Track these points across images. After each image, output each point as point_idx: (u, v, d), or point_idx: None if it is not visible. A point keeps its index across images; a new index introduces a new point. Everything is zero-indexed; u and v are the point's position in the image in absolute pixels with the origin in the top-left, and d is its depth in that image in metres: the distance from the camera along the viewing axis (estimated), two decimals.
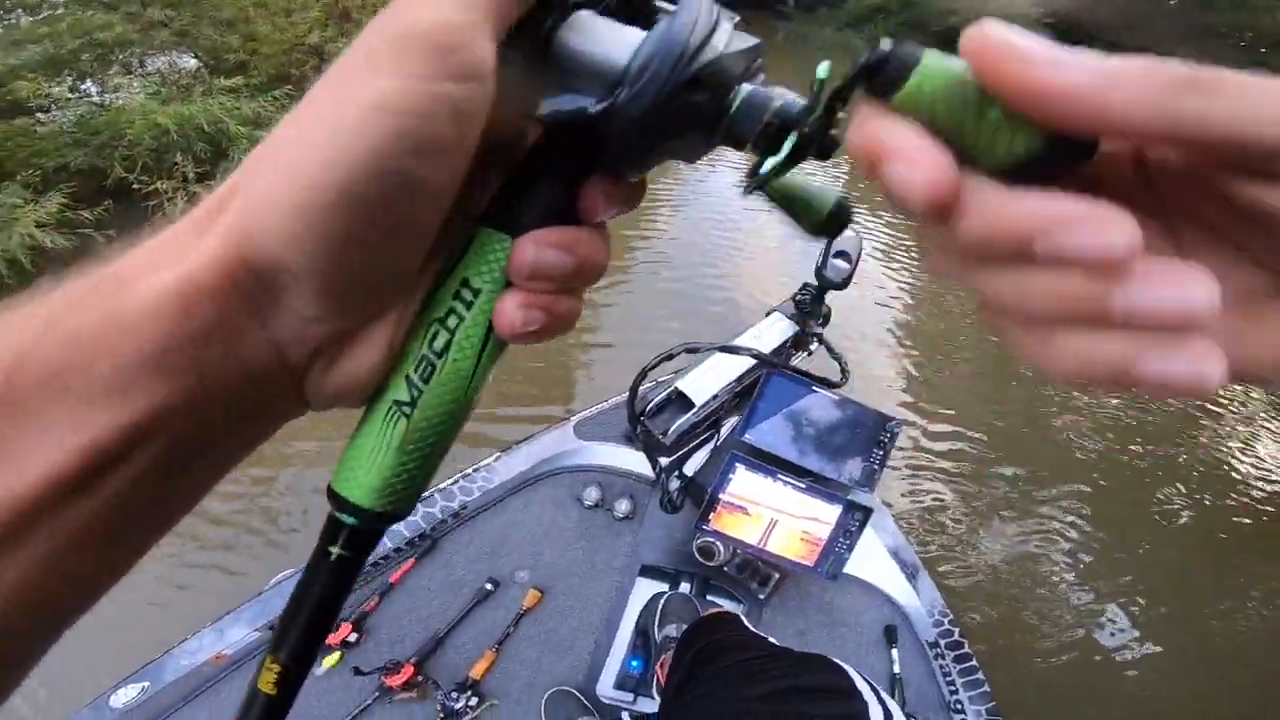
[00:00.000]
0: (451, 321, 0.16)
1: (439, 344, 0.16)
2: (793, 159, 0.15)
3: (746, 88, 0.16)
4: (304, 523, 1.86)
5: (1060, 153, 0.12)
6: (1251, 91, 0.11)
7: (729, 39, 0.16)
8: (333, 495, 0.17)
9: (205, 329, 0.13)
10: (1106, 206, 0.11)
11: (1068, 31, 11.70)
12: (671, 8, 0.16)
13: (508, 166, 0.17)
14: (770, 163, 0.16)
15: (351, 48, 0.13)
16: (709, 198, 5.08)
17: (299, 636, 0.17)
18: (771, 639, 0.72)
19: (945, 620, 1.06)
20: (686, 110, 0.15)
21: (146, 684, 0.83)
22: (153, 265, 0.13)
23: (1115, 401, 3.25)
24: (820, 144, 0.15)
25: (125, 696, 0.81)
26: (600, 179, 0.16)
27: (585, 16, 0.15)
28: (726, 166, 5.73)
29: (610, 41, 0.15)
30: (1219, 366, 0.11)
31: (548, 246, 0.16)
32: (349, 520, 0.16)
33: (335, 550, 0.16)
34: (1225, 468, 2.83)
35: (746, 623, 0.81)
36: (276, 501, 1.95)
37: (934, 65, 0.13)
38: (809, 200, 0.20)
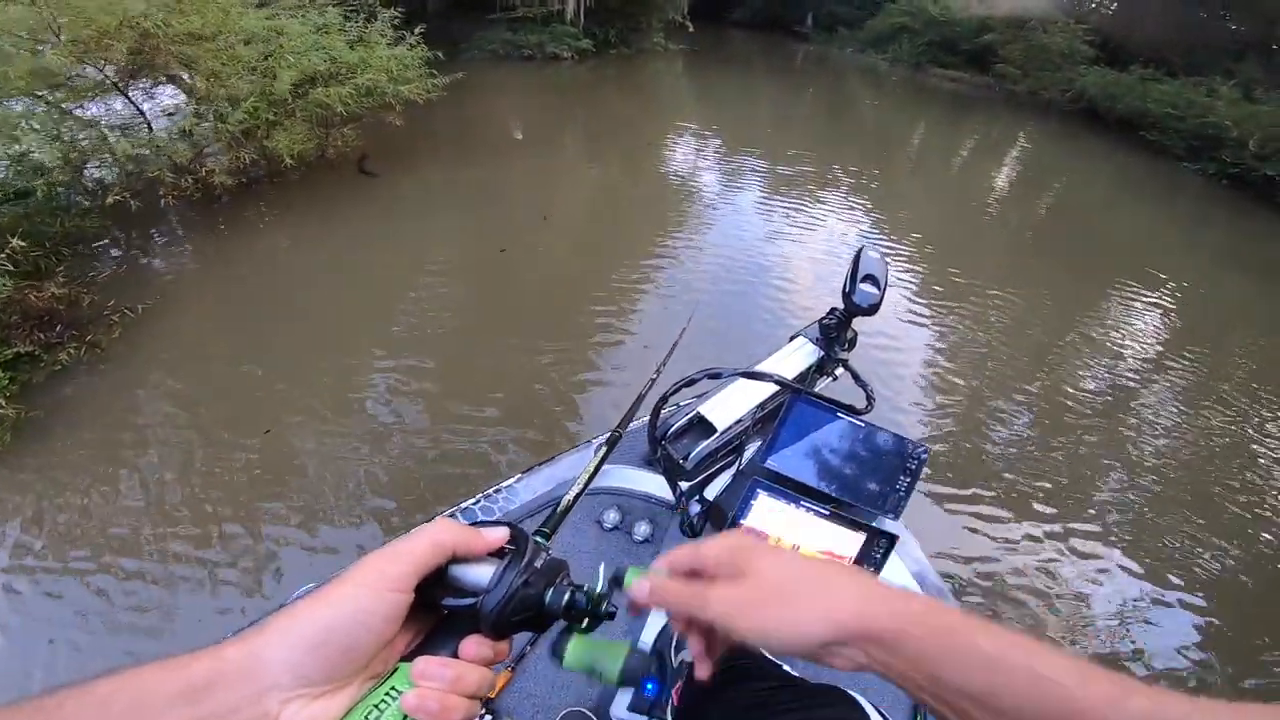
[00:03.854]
0: (382, 705, 0.29)
1: (372, 716, 0.29)
2: (590, 625, 0.35)
3: (550, 592, 0.34)
4: None
5: None
6: (720, 604, 0.35)
7: (543, 556, 0.35)
8: None
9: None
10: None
11: (1116, 50, 11.59)
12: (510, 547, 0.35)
13: (425, 629, 0.35)
14: (574, 630, 0.35)
15: (350, 574, 0.31)
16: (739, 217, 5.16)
17: None
18: (786, 666, 0.74)
19: None
20: (520, 606, 0.33)
21: None
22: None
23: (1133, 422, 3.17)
24: (602, 614, 0.36)
25: None
26: (478, 637, 0.33)
27: (464, 566, 0.34)
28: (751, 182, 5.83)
29: (478, 573, 0.33)
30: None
31: (433, 664, 0.31)
32: None
33: None
34: None
35: (764, 650, 0.83)
36: None
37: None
38: (602, 671, 0.44)
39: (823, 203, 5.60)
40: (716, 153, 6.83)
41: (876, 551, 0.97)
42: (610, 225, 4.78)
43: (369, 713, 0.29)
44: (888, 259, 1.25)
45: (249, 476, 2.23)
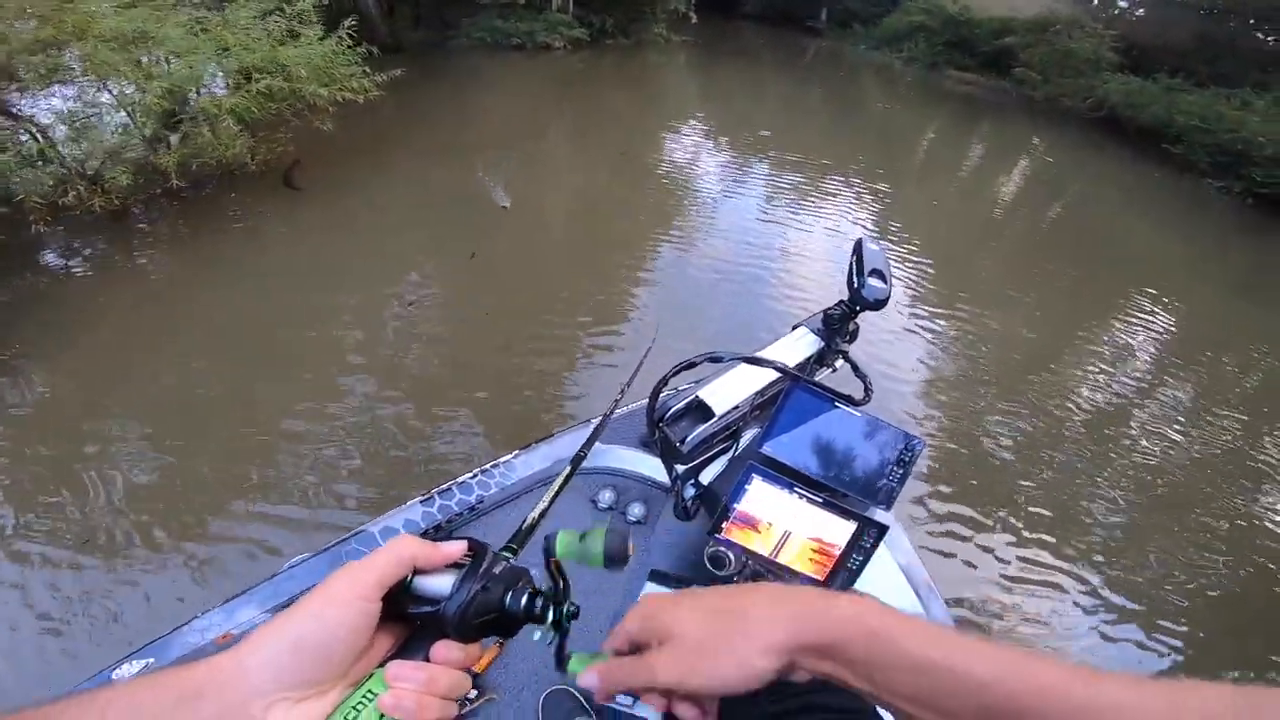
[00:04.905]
0: (360, 707, 0.32)
1: (351, 716, 0.32)
2: (555, 624, 0.38)
3: (509, 596, 0.37)
4: None
5: None
6: (665, 673, 0.36)
7: (501, 570, 0.38)
8: None
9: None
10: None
11: (1141, 57, 11.44)
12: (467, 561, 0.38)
13: (401, 638, 0.38)
14: (539, 630, 0.38)
15: (321, 587, 0.34)
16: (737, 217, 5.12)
17: None
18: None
19: None
20: (481, 609, 0.36)
21: (151, 660, 0.85)
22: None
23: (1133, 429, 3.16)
24: (564, 614, 0.39)
25: (129, 671, 0.83)
26: (447, 641, 0.36)
27: (426, 577, 0.37)
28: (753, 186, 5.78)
29: (439, 583, 0.36)
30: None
31: (406, 667, 0.34)
32: None
33: None
34: None
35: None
36: None
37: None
38: (588, 555, 0.41)
39: (824, 213, 5.45)
40: (708, 158, 6.45)
41: (866, 541, 0.98)
42: (562, 257, 4.16)
43: (348, 714, 0.32)
44: (884, 250, 1.25)
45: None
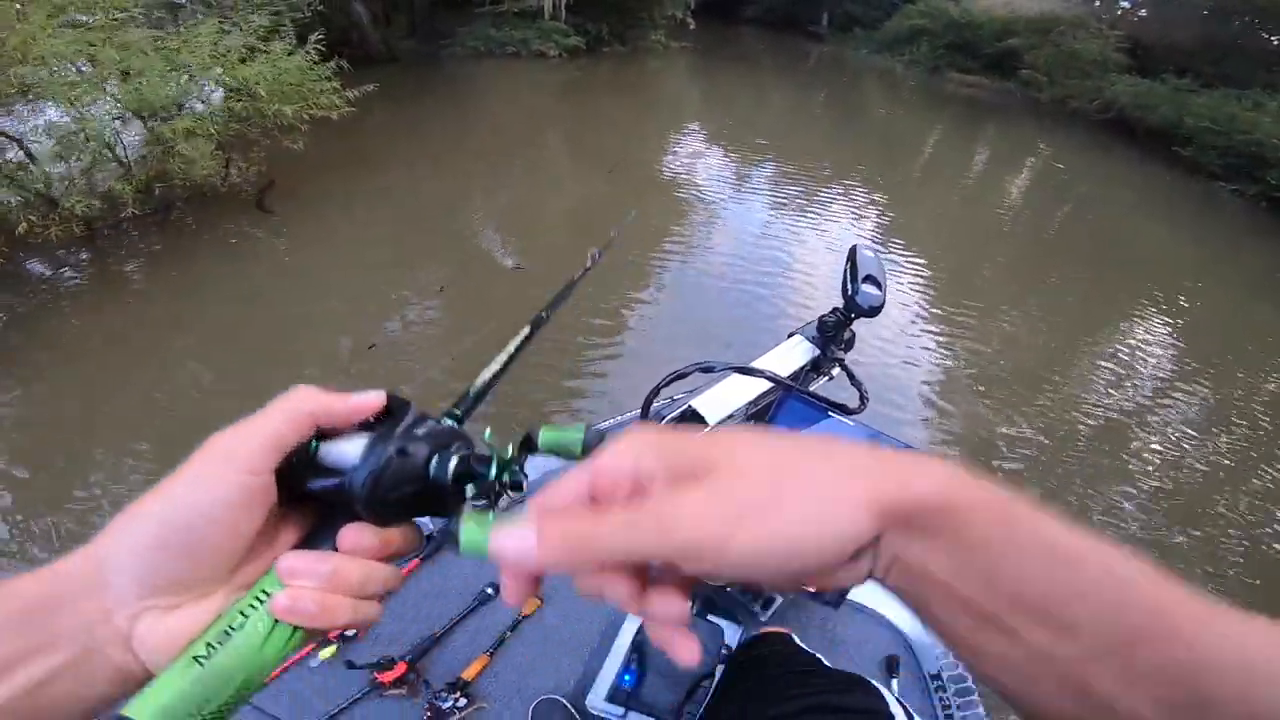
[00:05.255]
0: (248, 611, 0.25)
1: (236, 624, 0.25)
2: (492, 500, 0.28)
3: (436, 460, 0.28)
4: None
5: None
6: (694, 523, 0.22)
7: (427, 429, 0.29)
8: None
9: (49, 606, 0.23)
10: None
11: (1146, 58, 11.37)
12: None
13: (306, 528, 0.30)
14: (469, 511, 0.28)
15: (192, 459, 0.26)
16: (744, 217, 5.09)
17: None
18: (820, 656, 0.75)
19: (951, 654, 1.05)
20: (397, 479, 0.27)
21: None
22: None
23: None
24: (507, 482, 0.29)
25: None
26: (357, 524, 0.28)
27: (333, 442, 0.28)
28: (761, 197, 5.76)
29: (351, 448, 0.28)
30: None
31: (304, 559, 0.27)
32: None
33: None
34: None
35: (797, 640, 0.85)
36: None
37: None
38: (568, 447, 0.32)
39: (825, 223, 5.37)
40: (706, 168, 6.25)
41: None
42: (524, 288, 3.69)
43: (233, 620, 0.25)
44: (883, 259, 1.24)
45: None
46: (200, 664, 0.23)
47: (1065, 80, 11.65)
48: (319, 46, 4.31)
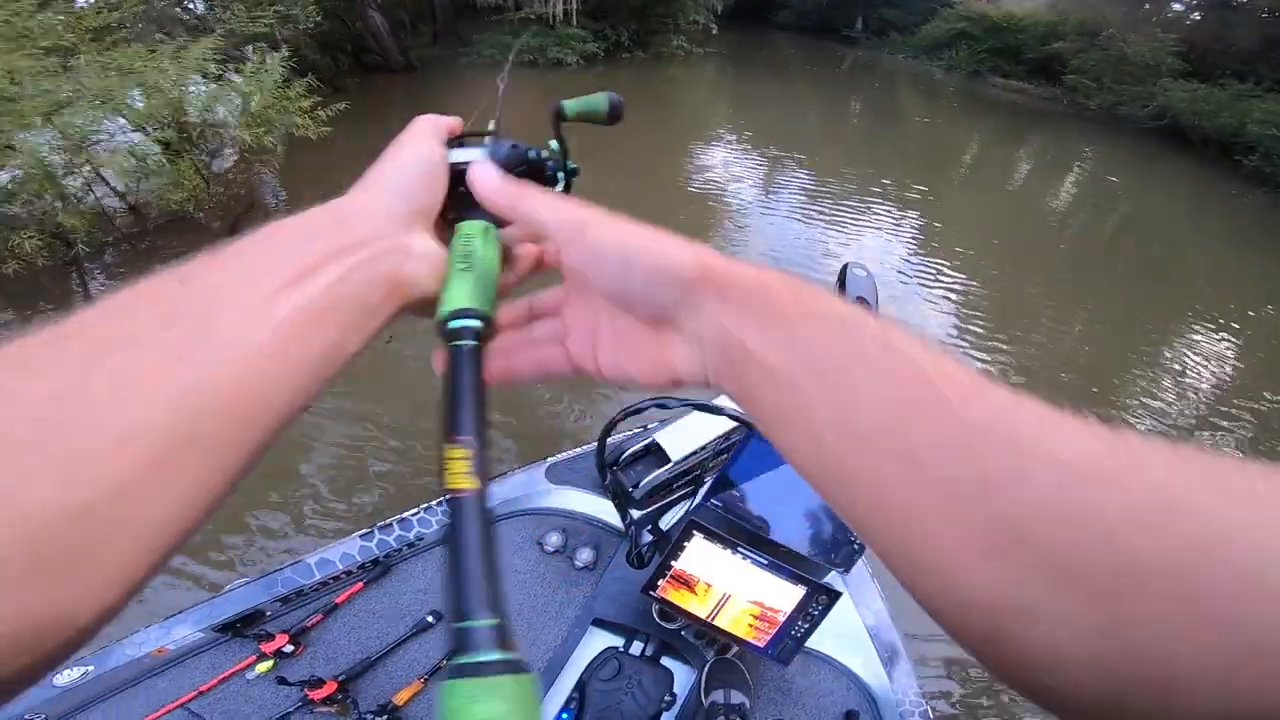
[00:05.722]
0: (464, 239, 0.31)
1: (468, 244, 0.31)
2: (567, 177, 0.39)
3: (530, 149, 0.37)
4: None
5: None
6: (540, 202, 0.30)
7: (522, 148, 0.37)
8: (441, 321, 0.28)
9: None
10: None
11: (1201, 62, 10.72)
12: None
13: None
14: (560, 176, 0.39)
15: (410, 134, 0.33)
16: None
17: (472, 412, 0.25)
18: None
19: (917, 711, 0.99)
20: (516, 159, 0.36)
21: (91, 668, 0.91)
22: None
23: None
24: (571, 170, 0.40)
25: (69, 676, 0.90)
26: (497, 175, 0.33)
27: (458, 148, 0.35)
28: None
29: (471, 151, 0.35)
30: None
31: (487, 183, 0.32)
32: (456, 324, 0.28)
33: (462, 343, 0.27)
34: None
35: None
36: None
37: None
38: (594, 112, 0.41)
39: (868, 229, 5.25)
40: (733, 181, 6.13)
41: (815, 608, 0.91)
42: None
43: (464, 242, 0.31)
44: (874, 276, 1.16)
45: None
46: (469, 270, 0.30)
47: (1115, 86, 11.11)
48: (288, 64, 4.29)
